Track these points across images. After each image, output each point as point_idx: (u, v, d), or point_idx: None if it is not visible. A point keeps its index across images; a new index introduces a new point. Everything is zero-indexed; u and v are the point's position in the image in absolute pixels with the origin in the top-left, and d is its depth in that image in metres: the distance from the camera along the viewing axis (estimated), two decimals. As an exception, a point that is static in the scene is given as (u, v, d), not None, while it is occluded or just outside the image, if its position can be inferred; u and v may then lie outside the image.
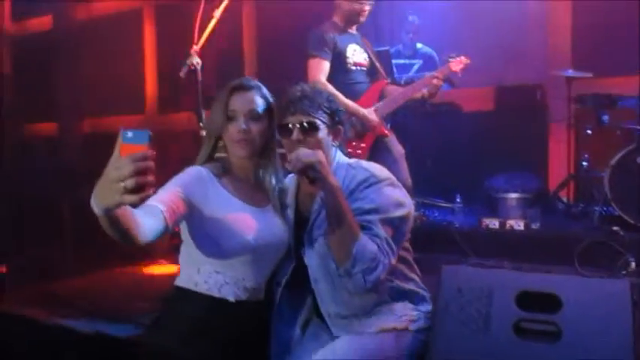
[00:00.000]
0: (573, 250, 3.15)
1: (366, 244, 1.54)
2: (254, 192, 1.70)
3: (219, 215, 1.57)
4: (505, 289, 1.63)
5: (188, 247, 1.64)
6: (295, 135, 1.64)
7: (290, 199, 1.77)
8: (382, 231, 1.58)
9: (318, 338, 1.70)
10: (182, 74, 2.58)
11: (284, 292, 1.73)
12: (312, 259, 1.67)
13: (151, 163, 1.04)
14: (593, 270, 2.86)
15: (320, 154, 1.52)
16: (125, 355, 2.29)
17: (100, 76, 6.43)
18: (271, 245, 1.64)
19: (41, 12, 7.07)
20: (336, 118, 1.72)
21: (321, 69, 2.95)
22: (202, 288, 1.59)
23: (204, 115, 2.69)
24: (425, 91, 3.11)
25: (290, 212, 1.76)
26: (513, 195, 3.76)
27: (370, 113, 2.96)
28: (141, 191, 1.03)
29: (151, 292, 2.81)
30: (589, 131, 4.03)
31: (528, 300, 1.61)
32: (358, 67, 3.05)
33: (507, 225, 3.57)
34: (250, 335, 1.62)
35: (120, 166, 1.03)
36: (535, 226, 3.59)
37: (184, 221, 1.56)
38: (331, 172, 1.56)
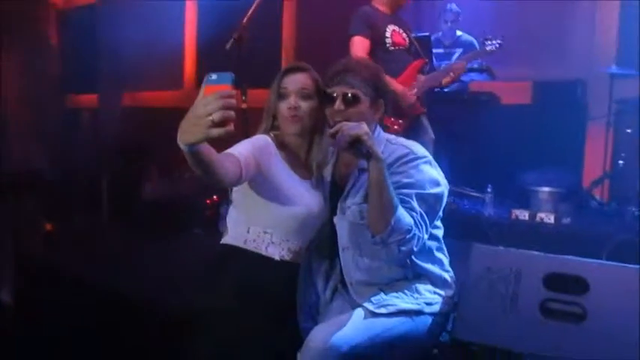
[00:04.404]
0: (603, 247, 3.13)
1: (404, 216, 1.60)
2: (302, 166, 1.82)
3: (276, 182, 1.71)
4: (533, 269, 1.67)
5: (239, 208, 1.78)
6: (337, 105, 1.71)
7: (328, 169, 1.86)
8: (418, 206, 1.65)
9: (344, 305, 1.78)
10: (228, 46, 2.66)
11: (314, 256, 1.82)
12: (342, 227, 1.76)
13: (234, 101, 1.18)
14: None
15: (364, 126, 1.59)
16: (173, 317, 2.40)
17: (140, 51, 6.56)
18: (315, 214, 1.76)
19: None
20: (379, 92, 1.77)
21: (362, 46, 3.02)
22: (251, 246, 1.72)
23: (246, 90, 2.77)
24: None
25: (326, 182, 1.85)
26: (545, 188, 3.73)
27: (406, 92, 2.99)
28: (225, 125, 1.17)
29: (190, 257, 2.92)
30: (629, 130, 3.97)
31: (556, 282, 1.65)
32: (397, 47, 3.08)
33: (537, 217, 3.54)
34: (289, 295, 1.74)
35: (207, 102, 1.17)
36: (566, 221, 3.57)
37: (246, 182, 1.67)
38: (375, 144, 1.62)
